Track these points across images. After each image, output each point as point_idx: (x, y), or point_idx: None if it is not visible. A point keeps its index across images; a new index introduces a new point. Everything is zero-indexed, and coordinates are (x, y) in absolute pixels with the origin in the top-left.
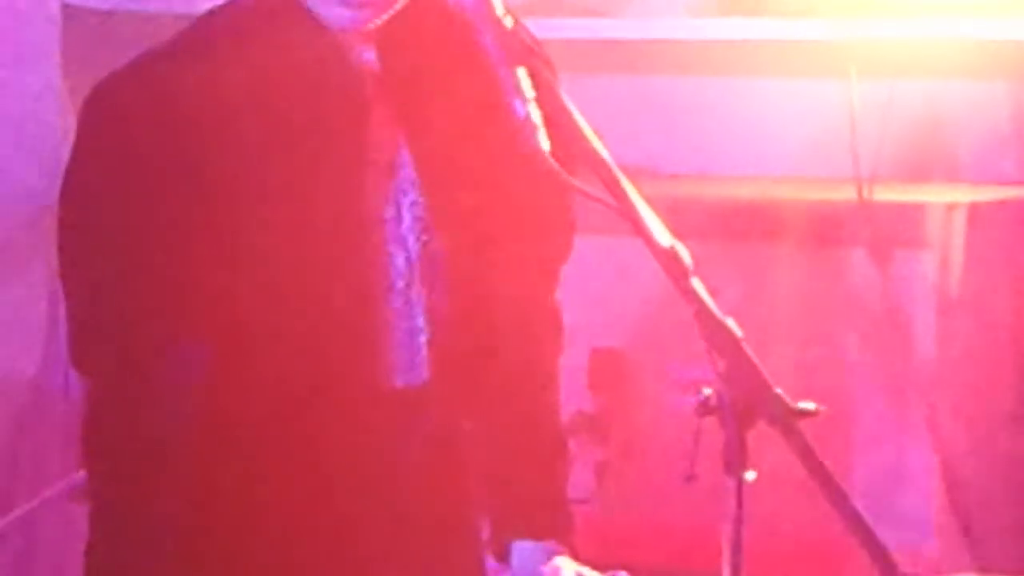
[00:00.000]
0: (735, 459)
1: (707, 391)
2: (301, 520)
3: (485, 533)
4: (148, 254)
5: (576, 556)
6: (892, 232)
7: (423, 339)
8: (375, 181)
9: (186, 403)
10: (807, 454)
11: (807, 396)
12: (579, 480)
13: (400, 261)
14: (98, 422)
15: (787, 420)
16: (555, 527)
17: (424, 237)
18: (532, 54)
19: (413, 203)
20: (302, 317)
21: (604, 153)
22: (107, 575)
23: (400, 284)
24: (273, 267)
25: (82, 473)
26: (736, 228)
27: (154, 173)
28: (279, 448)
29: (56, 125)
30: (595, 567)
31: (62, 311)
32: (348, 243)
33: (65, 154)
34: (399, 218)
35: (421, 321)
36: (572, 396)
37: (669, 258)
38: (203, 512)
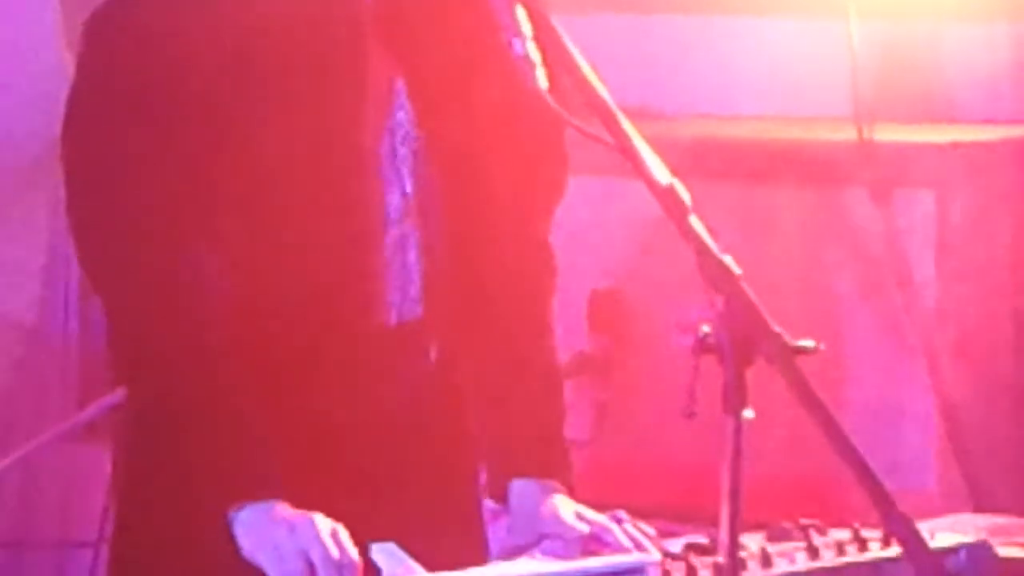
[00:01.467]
0: (734, 397)
1: (705, 329)
2: (306, 456)
3: (483, 477)
4: (153, 178)
5: (574, 495)
6: (892, 172)
7: (417, 274)
8: (371, 115)
9: (202, 327)
10: (805, 392)
11: (806, 336)
12: (579, 421)
13: (394, 195)
14: (121, 342)
15: (786, 358)
16: (553, 465)
17: (418, 172)
18: None
19: (407, 136)
20: (298, 247)
21: (602, 92)
22: (141, 481)
23: (394, 217)
24: (268, 196)
25: (82, 415)
26: (735, 168)
27: (155, 97)
28: (280, 380)
29: (54, 65)
30: (595, 508)
31: (61, 252)
32: (344, 175)
33: (63, 93)
34: (394, 152)
35: (414, 255)
36: (572, 337)
37: (668, 196)
38: (218, 430)
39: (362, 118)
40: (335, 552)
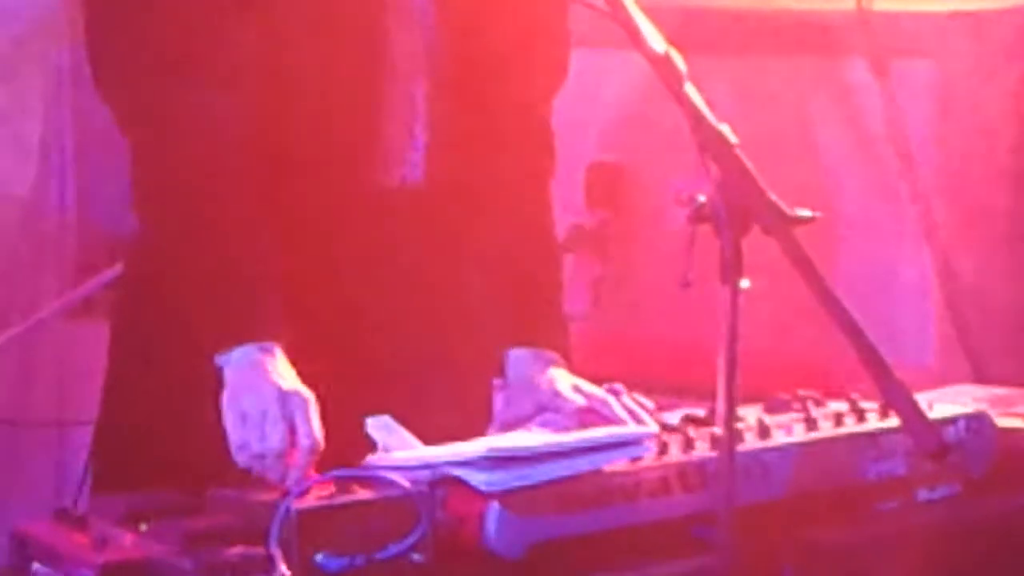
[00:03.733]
0: (730, 267)
1: (701, 198)
2: (313, 310)
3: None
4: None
5: (572, 369)
6: (891, 42)
7: (421, 138)
8: None
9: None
10: (803, 262)
11: (803, 206)
12: (577, 295)
13: (402, 51)
14: (142, 164)
15: (782, 227)
16: (550, 336)
17: (428, 33)
18: None
19: (421, 10)
20: (303, 97)
21: None
22: (135, 348)
23: (400, 72)
24: (282, 45)
25: (78, 291)
26: (731, 40)
27: None
28: (282, 231)
29: None
30: (593, 382)
31: (56, 128)
32: (357, 24)
33: None
34: (407, 9)
35: (419, 118)
36: (569, 211)
37: (663, 64)
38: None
39: None
40: (319, 435)
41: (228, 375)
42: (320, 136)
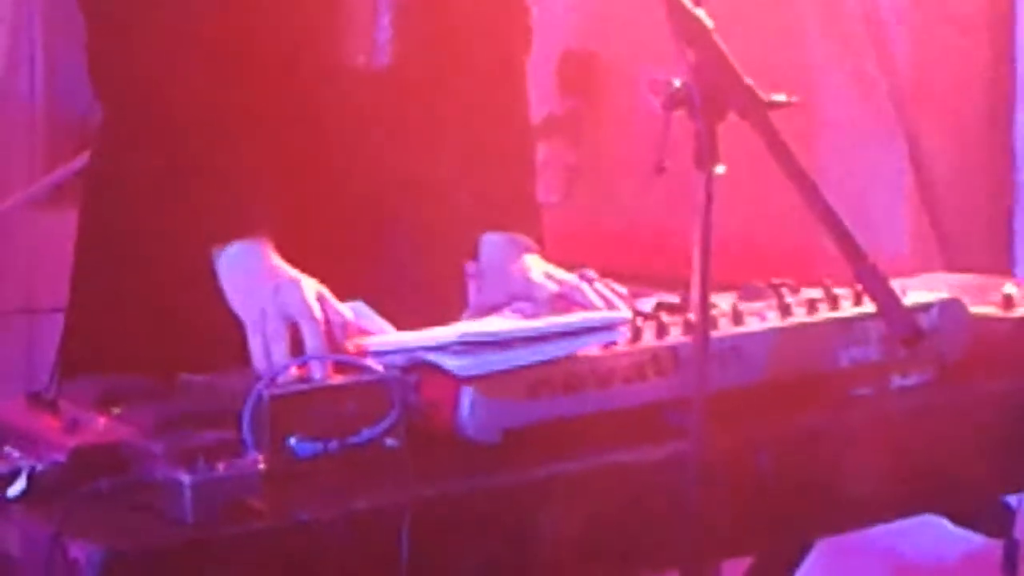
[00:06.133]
0: (705, 152)
1: (676, 83)
2: (281, 204)
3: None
4: None
5: (546, 257)
6: None
7: (386, 19)
8: None
9: (177, 41)
10: (778, 146)
11: (779, 91)
12: (549, 183)
13: None
14: (98, 49)
15: (758, 111)
16: (523, 220)
17: None
18: None
19: None
20: None
21: None
22: (108, 235)
23: None
24: None
25: (48, 179)
26: None
27: None
28: (251, 118)
29: None
30: (566, 269)
31: (26, 18)
32: None
33: None
34: None
35: (384, 2)
36: (542, 99)
37: None
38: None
39: None
40: (319, 314)
41: (226, 272)
42: (279, 16)
